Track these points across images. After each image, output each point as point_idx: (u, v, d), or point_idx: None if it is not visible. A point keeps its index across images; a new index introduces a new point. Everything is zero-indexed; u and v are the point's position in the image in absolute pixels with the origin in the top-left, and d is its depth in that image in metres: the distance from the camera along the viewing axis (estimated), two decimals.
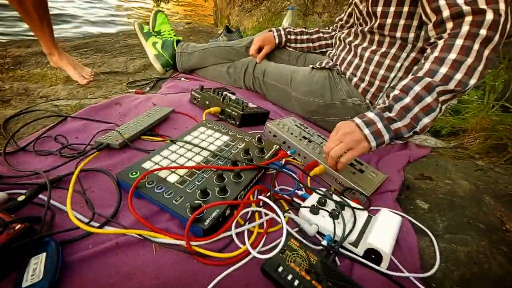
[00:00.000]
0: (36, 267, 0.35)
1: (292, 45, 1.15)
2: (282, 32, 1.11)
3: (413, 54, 0.75)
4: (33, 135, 0.63)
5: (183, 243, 0.41)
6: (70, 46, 1.68)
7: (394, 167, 0.77)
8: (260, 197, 0.49)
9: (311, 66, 0.97)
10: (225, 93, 0.91)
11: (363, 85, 0.85)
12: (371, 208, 0.59)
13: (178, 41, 1.27)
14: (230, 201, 0.45)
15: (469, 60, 0.55)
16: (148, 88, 1.17)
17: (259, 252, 0.43)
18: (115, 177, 0.51)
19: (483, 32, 0.53)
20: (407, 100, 0.58)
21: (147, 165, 0.53)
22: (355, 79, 0.87)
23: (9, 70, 1.31)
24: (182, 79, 1.23)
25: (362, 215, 0.53)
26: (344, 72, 0.89)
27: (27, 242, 0.36)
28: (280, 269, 0.40)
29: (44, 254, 0.37)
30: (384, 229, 0.47)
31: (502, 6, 0.53)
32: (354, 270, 0.44)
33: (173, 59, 1.24)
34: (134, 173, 0.50)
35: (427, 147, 0.93)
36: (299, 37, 1.13)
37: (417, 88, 0.58)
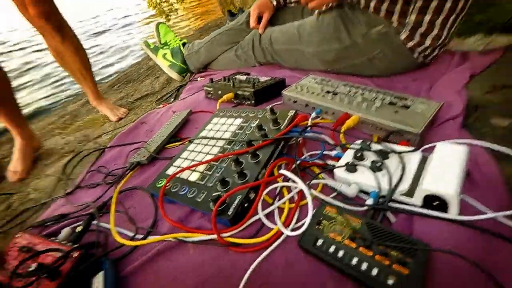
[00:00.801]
0: (98, 285, 0.39)
1: (293, 0, 1.02)
2: None
3: None
4: (83, 172, 0.71)
5: (215, 236, 0.40)
6: (106, 86, 1.87)
7: (452, 88, 0.62)
8: (280, 171, 0.45)
9: (317, 11, 0.84)
10: (234, 77, 0.87)
11: (385, 5, 0.69)
12: (426, 146, 0.48)
13: (184, 44, 1.28)
14: (248, 184, 0.42)
15: None
16: (172, 99, 1.22)
17: (294, 229, 0.39)
18: (147, 190, 0.54)
19: None
20: None
21: (171, 170, 0.54)
22: (372, 3, 0.71)
23: (70, 124, 1.54)
24: (199, 78, 1.23)
25: (414, 158, 0.43)
26: (357, 1, 0.74)
27: (84, 266, 0.41)
28: (320, 242, 0.35)
29: (102, 272, 0.41)
30: (443, 167, 0.37)
31: None
32: (415, 225, 0.36)
33: (186, 63, 1.26)
34: (160, 182, 0.52)
35: (495, 50, 0.72)
36: None
37: None
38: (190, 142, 0.60)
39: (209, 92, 0.87)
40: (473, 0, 0.63)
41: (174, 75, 1.27)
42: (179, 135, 0.74)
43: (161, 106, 1.17)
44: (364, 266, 0.32)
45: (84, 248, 0.45)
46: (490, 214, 0.33)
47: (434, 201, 0.36)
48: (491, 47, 0.76)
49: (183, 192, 0.47)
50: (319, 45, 0.81)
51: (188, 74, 1.34)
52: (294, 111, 0.55)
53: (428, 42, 0.68)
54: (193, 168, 0.51)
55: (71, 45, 1.04)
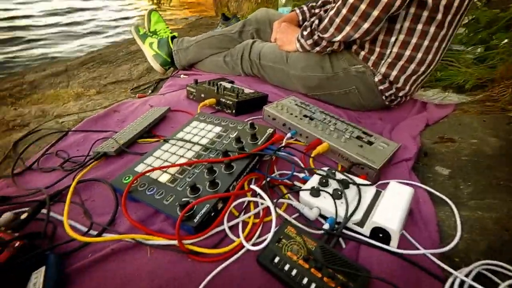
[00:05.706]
0: (36, 281, 0.36)
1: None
2: (305, 8, 0.99)
3: (412, 10, 0.65)
4: (38, 153, 0.66)
5: (176, 242, 0.40)
6: (77, 63, 1.74)
7: (409, 133, 0.70)
8: (251, 186, 0.47)
9: None
10: (220, 83, 0.88)
11: (363, 52, 0.77)
12: (382, 182, 0.54)
13: (173, 37, 1.26)
14: (218, 194, 0.43)
15: None
16: (150, 91, 1.18)
17: (255, 244, 0.41)
18: (111, 184, 0.52)
19: None
20: None
21: (140, 168, 0.53)
22: (354, 46, 0.78)
23: (27, 95, 1.39)
24: (182, 76, 1.21)
25: (369, 192, 0.48)
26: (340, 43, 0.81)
27: (25, 258, 0.38)
28: (277, 259, 0.38)
29: (44, 267, 0.38)
30: (391, 204, 0.42)
31: None
32: (361, 253, 0.40)
33: (171, 56, 1.23)
34: (127, 178, 0.51)
35: (448, 105, 0.83)
36: (323, 9, 0.98)
37: None
38: (165, 141, 0.60)
39: (192, 93, 0.87)
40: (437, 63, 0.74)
41: (156, 66, 1.24)
42: (153, 131, 0.72)
43: (136, 96, 1.13)
44: (312, 286, 0.35)
45: (28, 238, 0.41)
46: (422, 251, 0.39)
47: (380, 233, 0.41)
48: (445, 102, 0.87)
49: (150, 192, 0.47)
50: (303, 70, 0.86)
51: (171, 68, 1.32)
52: (272, 129, 0.58)
53: (393, 90, 0.77)
54: (164, 169, 0.51)
55: None
